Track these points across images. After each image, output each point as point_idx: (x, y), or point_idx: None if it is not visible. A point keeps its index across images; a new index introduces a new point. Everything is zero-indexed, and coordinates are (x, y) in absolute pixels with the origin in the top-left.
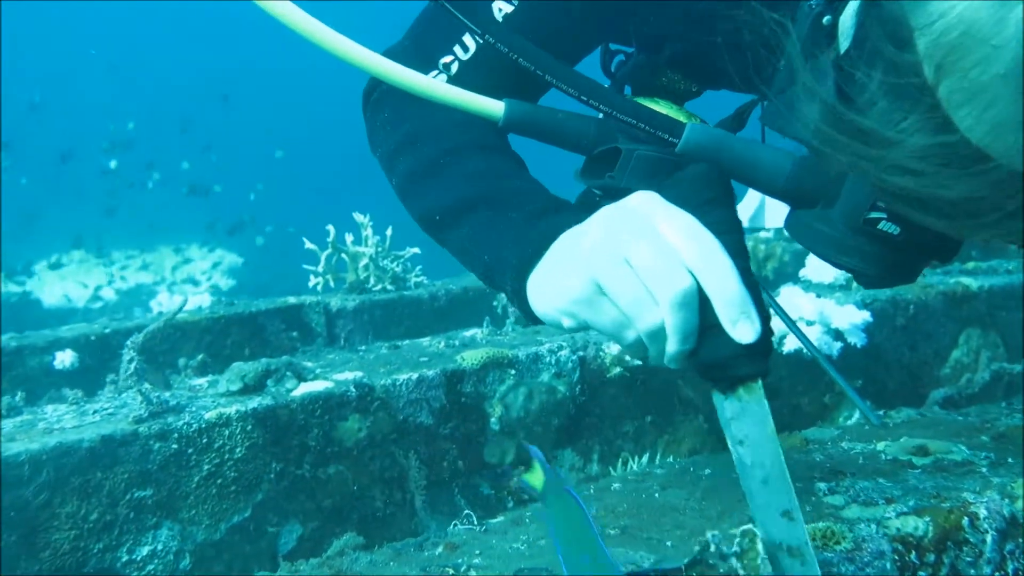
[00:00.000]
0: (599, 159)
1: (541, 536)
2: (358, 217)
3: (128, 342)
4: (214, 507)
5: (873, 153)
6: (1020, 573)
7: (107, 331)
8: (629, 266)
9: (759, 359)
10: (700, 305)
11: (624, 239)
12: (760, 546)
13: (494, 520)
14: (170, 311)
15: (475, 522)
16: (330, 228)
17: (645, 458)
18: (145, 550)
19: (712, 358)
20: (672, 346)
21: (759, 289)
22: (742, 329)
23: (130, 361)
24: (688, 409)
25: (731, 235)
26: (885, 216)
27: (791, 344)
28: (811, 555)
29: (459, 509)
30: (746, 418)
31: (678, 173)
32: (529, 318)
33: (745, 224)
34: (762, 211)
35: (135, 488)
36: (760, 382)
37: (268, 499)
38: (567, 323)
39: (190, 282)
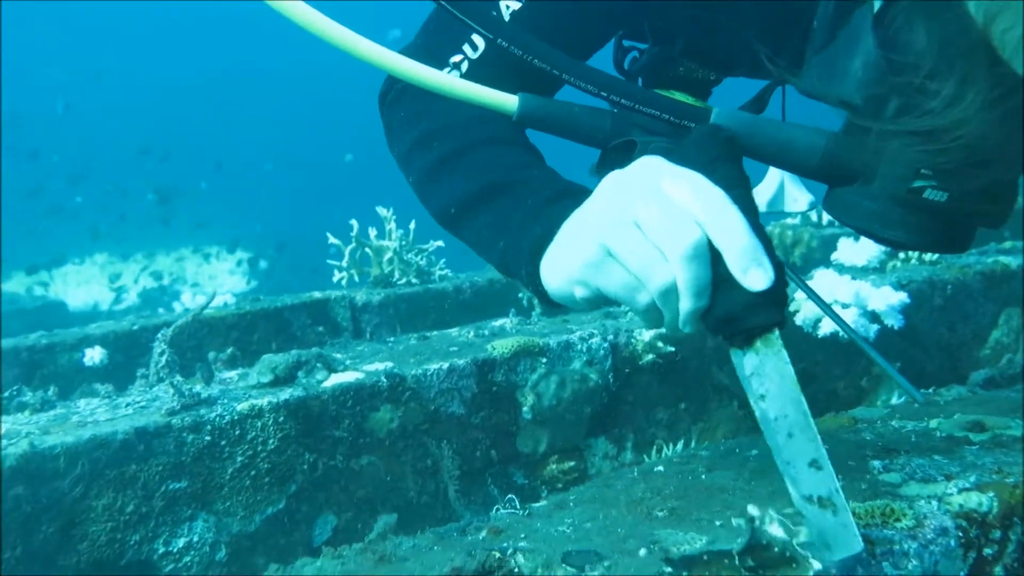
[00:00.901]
0: (615, 152)
1: (587, 519)
2: (381, 211)
3: (159, 335)
4: (248, 499)
5: (922, 100)
6: None
7: (135, 328)
8: (637, 227)
9: (774, 307)
10: (711, 259)
11: (630, 201)
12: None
13: (537, 504)
14: (199, 305)
15: (518, 506)
16: (353, 222)
17: (680, 445)
18: (181, 542)
19: (726, 312)
20: (685, 304)
21: (770, 241)
22: (754, 277)
23: (161, 354)
24: (723, 396)
25: (738, 189)
26: (932, 184)
27: (826, 328)
28: (842, 502)
29: (493, 499)
30: (766, 371)
31: (683, 140)
32: (546, 302)
33: (763, 209)
34: (781, 195)
35: (170, 480)
36: (777, 332)
37: (302, 490)
38: (580, 293)
39: (212, 282)
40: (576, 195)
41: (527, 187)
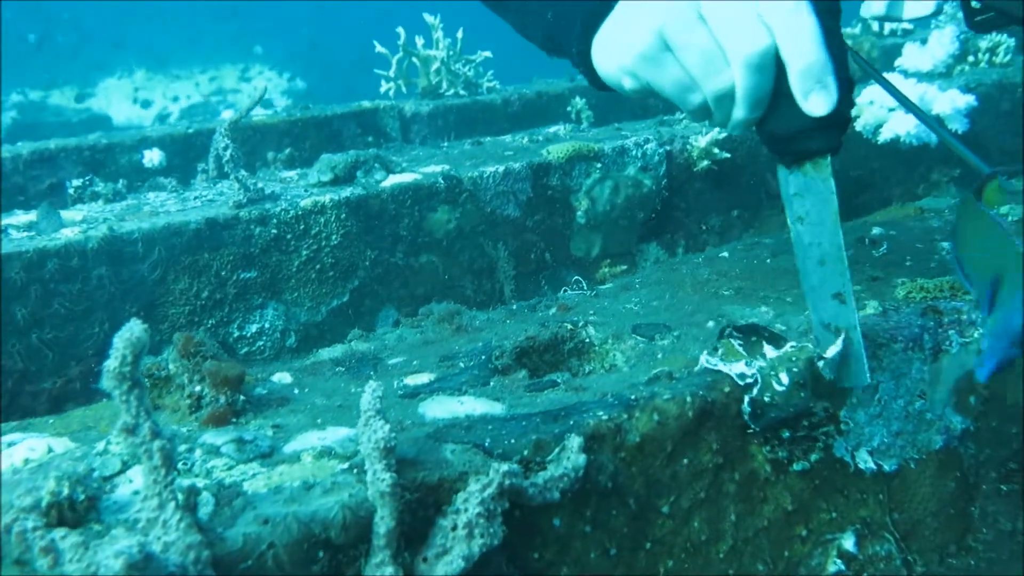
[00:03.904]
0: None
1: (653, 299)
2: (428, 18)
3: (219, 129)
4: (315, 291)
5: None
6: None
7: (190, 131)
8: (701, 19)
9: (831, 134)
10: (775, 70)
11: None
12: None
13: (604, 286)
14: (255, 97)
15: (585, 287)
16: (400, 31)
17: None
18: (254, 327)
19: (781, 130)
20: (740, 113)
21: (846, 54)
22: (816, 102)
23: (225, 148)
24: (776, 203)
25: None
26: None
27: (886, 133)
28: (859, 337)
29: None
30: (810, 195)
31: None
32: (595, 84)
33: (879, 12)
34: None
35: (240, 270)
36: (829, 158)
37: (364, 285)
38: (628, 84)
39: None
40: None
41: None
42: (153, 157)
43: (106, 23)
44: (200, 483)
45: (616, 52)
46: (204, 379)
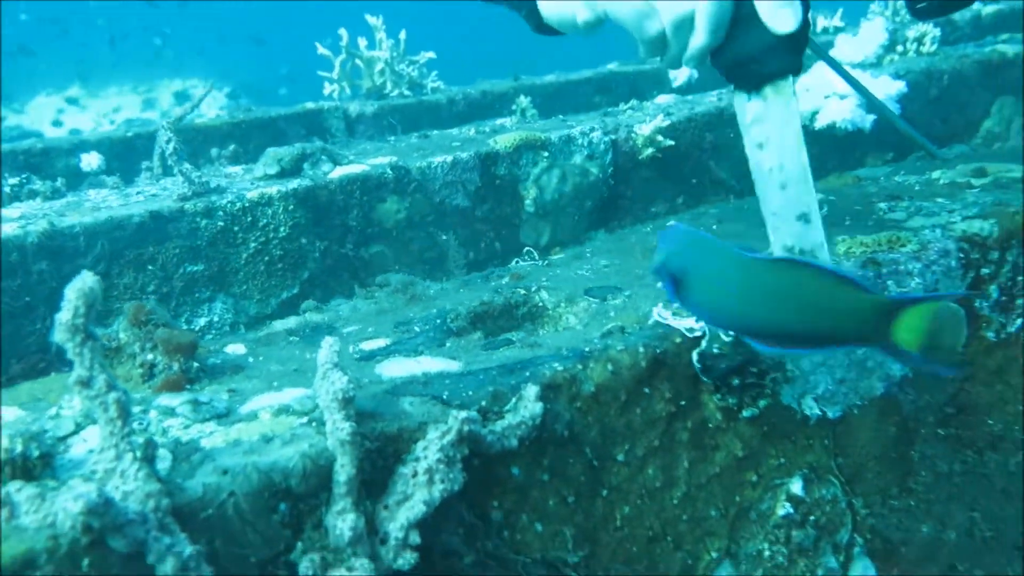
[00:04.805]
0: None
1: (604, 265)
2: (370, 19)
3: (162, 123)
4: (264, 283)
5: None
6: None
7: (130, 135)
8: None
9: (794, 52)
10: None
11: None
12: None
13: (556, 256)
14: (198, 96)
15: (537, 258)
16: (342, 32)
17: None
18: (202, 321)
19: (743, 53)
20: (699, 39)
21: None
22: (783, 16)
23: (168, 141)
24: (719, 190)
25: None
26: None
27: (823, 120)
28: (826, 256)
29: None
30: (770, 119)
31: None
32: (539, 29)
33: None
34: None
35: (187, 263)
36: (791, 79)
37: (314, 276)
38: (583, 15)
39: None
40: None
41: None
42: (91, 161)
43: (36, 40)
44: (158, 441)
45: None
46: (156, 347)
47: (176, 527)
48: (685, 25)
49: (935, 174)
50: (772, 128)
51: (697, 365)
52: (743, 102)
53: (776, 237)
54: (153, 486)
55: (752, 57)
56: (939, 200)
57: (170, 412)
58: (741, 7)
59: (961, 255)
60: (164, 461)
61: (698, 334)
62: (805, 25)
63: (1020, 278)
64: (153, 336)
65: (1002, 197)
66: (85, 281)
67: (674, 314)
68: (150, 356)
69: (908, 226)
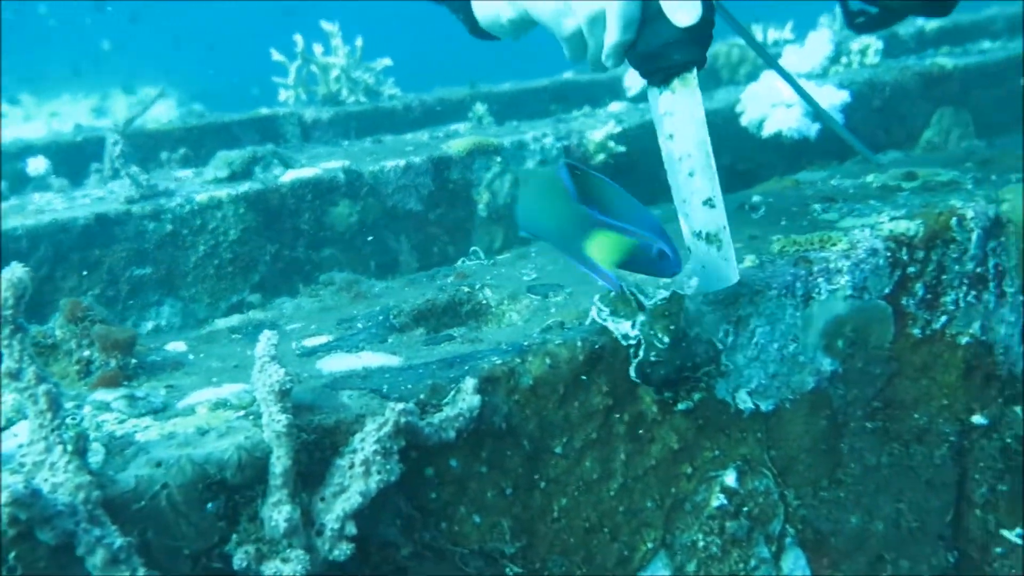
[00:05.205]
0: None
1: (549, 264)
2: (326, 26)
3: (110, 126)
4: (213, 286)
5: None
6: (1000, 267)
7: (79, 139)
8: None
9: (697, 46)
10: None
11: None
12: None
13: (501, 256)
14: (151, 97)
15: (483, 257)
16: (298, 38)
17: None
18: (150, 324)
19: (650, 47)
20: (612, 35)
21: None
22: (683, 11)
23: (115, 144)
24: (668, 195)
25: None
26: None
27: (770, 128)
28: (728, 239)
29: None
30: (679, 111)
31: None
32: (474, 31)
33: None
34: None
35: (134, 266)
36: (695, 72)
37: (265, 280)
38: (507, 14)
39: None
40: None
41: None
42: (38, 165)
43: None
44: (91, 435)
45: None
46: (93, 343)
47: (107, 519)
48: (599, 22)
49: (869, 178)
50: (680, 119)
51: (636, 377)
52: (656, 96)
53: (687, 224)
54: (83, 478)
55: (660, 51)
56: (871, 202)
57: (105, 407)
58: (649, 6)
59: (888, 254)
60: (97, 455)
61: (632, 342)
62: (706, 20)
63: (945, 276)
64: (90, 333)
65: (930, 199)
66: (14, 272)
67: (611, 317)
68: (87, 353)
69: (840, 226)
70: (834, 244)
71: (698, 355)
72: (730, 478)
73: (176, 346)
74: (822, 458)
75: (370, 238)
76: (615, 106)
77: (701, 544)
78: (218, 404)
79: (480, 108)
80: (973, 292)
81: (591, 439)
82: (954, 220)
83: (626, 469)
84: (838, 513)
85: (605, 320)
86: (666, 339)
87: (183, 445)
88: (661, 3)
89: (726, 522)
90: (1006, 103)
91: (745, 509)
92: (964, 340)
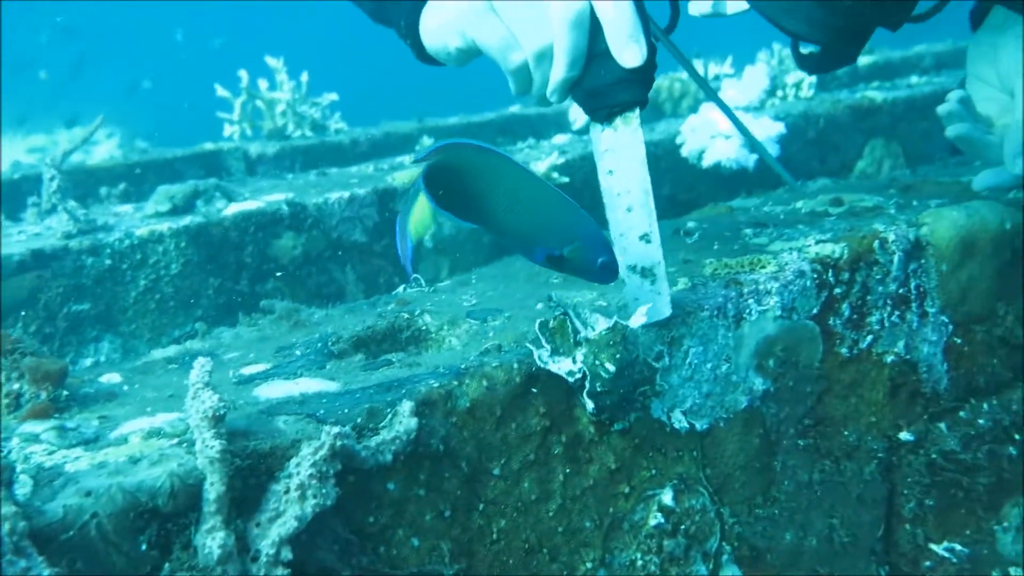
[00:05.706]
0: None
1: (489, 290)
2: (271, 61)
3: (46, 160)
4: (155, 321)
5: None
6: (921, 288)
7: (16, 177)
8: None
9: (640, 86)
10: (591, 31)
11: None
12: None
13: (442, 284)
14: (89, 129)
15: (423, 285)
16: (243, 73)
17: None
18: (88, 361)
19: (595, 85)
20: (559, 72)
21: (648, 22)
22: (630, 53)
23: (52, 179)
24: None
25: None
26: None
27: (709, 159)
28: (663, 273)
29: None
30: (620, 148)
31: None
32: (421, 57)
33: (708, 11)
34: None
35: (72, 302)
36: (637, 111)
37: (208, 314)
38: (454, 44)
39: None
40: None
41: None
42: None
43: None
44: (18, 467)
45: (443, 10)
46: (23, 376)
47: (33, 550)
48: (546, 57)
49: (799, 204)
50: (621, 156)
51: (592, 411)
52: (598, 133)
53: (623, 258)
54: (8, 509)
55: (605, 89)
56: (800, 227)
57: (34, 439)
58: (596, 44)
59: (815, 275)
60: (24, 487)
61: (578, 376)
62: (650, 63)
63: (869, 297)
64: (19, 365)
65: (855, 223)
66: None
67: (552, 357)
68: (16, 386)
69: (769, 249)
70: (763, 267)
71: (636, 376)
72: (667, 497)
73: (111, 377)
74: (756, 476)
75: (316, 269)
76: (560, 138)
77: (640, 563)
78: (151, 433)
79: (427, 142)
80: (897, 312)
81: (529, 460)
82: (876, 243)
83: (564, 490)
84: (773, 530)
85: (546, 363)
86: (612, 368)
87: (114, 474)
88: (608, 43)
89: (664, 540)
90: (933, 135)
91: (682, 527)
92: (889, 359)
